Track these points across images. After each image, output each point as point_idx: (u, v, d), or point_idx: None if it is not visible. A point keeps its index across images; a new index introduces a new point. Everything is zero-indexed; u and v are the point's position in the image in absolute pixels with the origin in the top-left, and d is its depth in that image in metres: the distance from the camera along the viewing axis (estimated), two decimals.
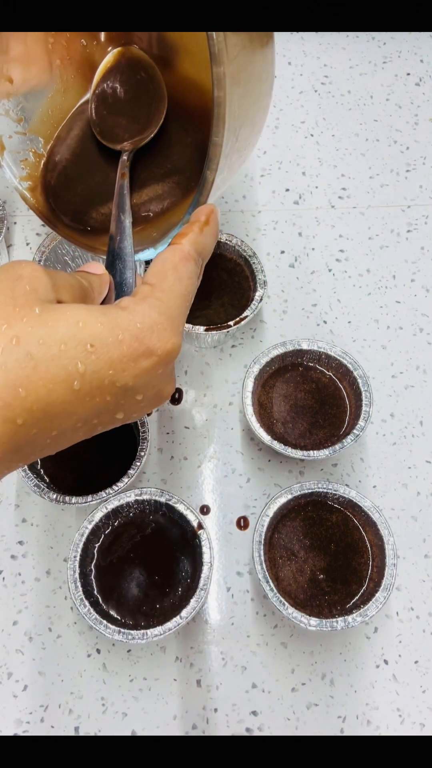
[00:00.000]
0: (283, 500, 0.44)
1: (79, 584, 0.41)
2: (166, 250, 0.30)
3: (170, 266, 0.29)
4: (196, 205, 0.34)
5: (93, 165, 0.43)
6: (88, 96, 0.44)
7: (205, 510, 0.48)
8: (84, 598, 0.41)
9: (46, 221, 0.43)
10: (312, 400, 0.49)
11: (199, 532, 0.43)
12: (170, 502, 0.44)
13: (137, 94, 0.43)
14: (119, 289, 0.33)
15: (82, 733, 0.42)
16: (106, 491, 0.43)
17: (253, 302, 0.50)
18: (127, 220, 0.36)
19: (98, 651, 0.44)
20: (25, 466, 0.44)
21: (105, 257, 0.36)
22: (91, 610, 0.40)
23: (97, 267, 0.32)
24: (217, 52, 0.28)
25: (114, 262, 0.35)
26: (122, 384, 0.26)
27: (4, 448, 0.24)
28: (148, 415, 0.51)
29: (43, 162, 0.43)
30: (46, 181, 0.43)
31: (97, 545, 0.44)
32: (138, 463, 0.44)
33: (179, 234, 0.31)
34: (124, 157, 0.40)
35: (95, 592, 0.42)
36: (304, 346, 0.49)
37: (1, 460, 0.24)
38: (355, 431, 0.45)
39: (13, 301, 0.25)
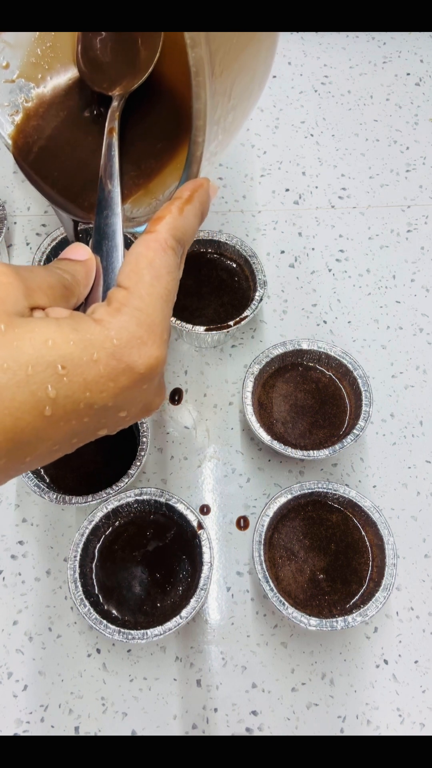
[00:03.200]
0: (283, 500, 0.44)
1: (79, 584, 0.41)
2: (139, 242, 0.27)
3: (145, 263, 0.26)
4: (186, 179, 0.30)
5: (78, 125, 0.37)
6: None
7: (205, 510, 0.48)
8: (84, 598, 0.41)
9: (35, 184, 0.38)
10: (312, 400, 0.49)
11: (199, 532, 0.43)
12: (170, 502, 0.44)
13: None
14: (106, 275, 0.30)
15: (82, 733, 0.42)
16: (106, 491, 0.43)
17: (253, 302, 0.50)
18: (116, 189, 0.31)
19: (98, 651, 0.44)
20: None
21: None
22: (91, 610, 0.40)
23: (81, 251, 0.29)
24: None
25: (101, 242, 0.30)
26: (101, 405, 0.24)
27: None
28: None
29: (20, 119, 0.37)
30: (26, 140, 0.38)
31: (97, 545, 0.44)
32: (138, 463, 0.44)
33: (155, 219, 0.27)
34: (115, 104, 0.34)
35: (95, 591, 0.43)
36: (304, 346, 0.49)
37: None
38: (355, 431, 0.45)
39: None
